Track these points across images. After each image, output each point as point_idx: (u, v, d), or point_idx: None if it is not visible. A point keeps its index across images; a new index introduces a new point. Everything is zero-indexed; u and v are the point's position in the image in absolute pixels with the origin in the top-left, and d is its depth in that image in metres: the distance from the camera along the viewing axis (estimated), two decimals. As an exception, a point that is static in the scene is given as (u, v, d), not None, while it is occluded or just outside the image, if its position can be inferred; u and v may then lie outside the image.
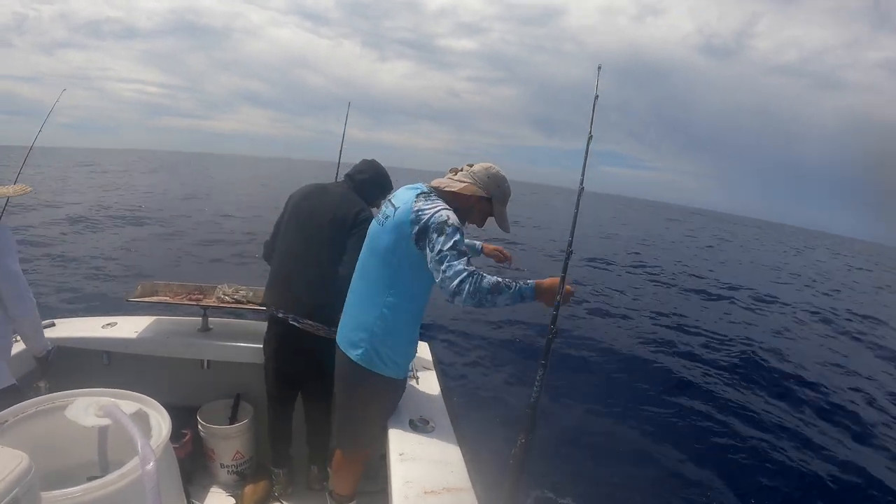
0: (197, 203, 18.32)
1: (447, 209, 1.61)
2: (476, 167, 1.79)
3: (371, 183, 2.27)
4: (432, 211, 1.59)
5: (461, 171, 1.80)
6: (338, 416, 2.00)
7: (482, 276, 1.49)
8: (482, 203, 1.78)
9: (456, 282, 1.46)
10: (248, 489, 2.31)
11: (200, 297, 2.60)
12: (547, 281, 1.57)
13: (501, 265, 2.31)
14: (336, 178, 3.05)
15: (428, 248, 1.56)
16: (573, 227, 1.61)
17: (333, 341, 1.94)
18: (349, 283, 1.90)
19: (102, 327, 2.49)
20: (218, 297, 2.57)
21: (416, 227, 1.59)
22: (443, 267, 1.49)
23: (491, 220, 1.85)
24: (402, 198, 1.70)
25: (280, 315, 2.13)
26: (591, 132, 1.64)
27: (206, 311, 2.57)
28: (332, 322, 2.00)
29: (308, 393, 2.30)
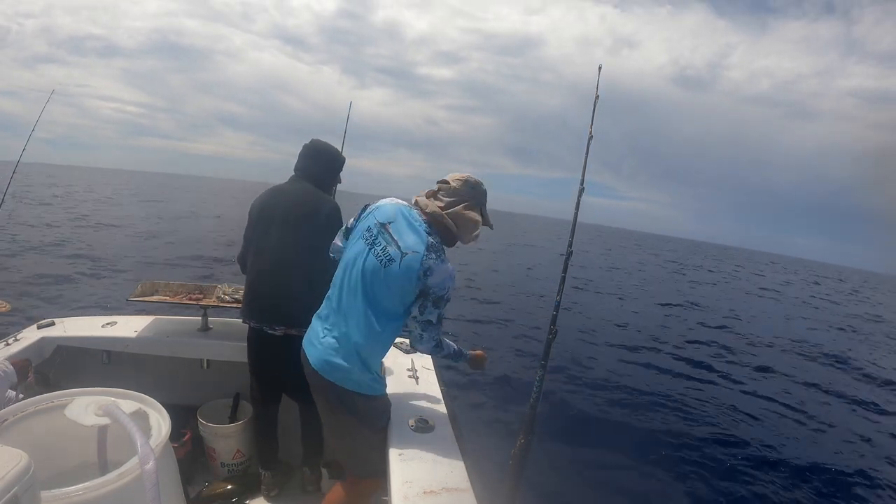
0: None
1: (452, 277, 1.63)
2: (455, 184, 1.69)
3: (325, 171, 2.25)
4: (440, 278, 1.59)
5: (439, 192, 1.71)
6: (337, 445, 1.88)
7: (442, 345, 1.78)
8: (475, 215, 1.73)
9: (427, 347, 1.73)
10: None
11: (200, 296, 2.61)
12: (478, 354, 1.97)
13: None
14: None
15: (418, 306, 1.65)
16: (573, 227, 1.61)
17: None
18: (319, 281, 1.84)
19: (102, 327, 2.49)
20: (218, 297, 2.58)
21: (421, 285, 1.59)
22: (425, 334, 1.70)
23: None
24: (408, 241, 1.61)
25: (254, 325, 2.16)
26: (591, 133, 1.64)
27: (205, 311, 2.58)
28: (304, 322, 1.89)
29: (295, 395, 2.27)
